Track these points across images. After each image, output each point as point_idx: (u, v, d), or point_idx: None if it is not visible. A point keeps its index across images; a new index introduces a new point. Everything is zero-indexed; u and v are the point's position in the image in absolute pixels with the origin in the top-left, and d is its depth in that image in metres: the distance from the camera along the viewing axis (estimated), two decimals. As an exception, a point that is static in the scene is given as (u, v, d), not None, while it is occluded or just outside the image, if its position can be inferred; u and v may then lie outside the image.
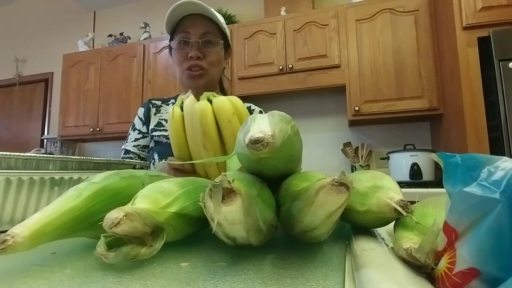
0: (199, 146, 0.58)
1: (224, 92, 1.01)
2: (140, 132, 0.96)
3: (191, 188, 0.30)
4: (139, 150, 0.94)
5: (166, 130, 0.91)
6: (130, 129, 0.98)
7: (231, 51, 0.98)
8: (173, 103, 0.96)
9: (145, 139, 0.95)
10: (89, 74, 2.80)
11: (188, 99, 0.60)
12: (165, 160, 0.82)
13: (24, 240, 0.21)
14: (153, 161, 0.91)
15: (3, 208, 0.35)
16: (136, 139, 0.95)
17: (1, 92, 3.57)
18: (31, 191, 0.38)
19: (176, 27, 0.87)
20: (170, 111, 0.61)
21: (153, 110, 0.97)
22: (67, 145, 3.04)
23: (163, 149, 0.88)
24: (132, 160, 0.63)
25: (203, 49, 0.85)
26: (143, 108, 0.98)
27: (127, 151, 0.94)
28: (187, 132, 0.60)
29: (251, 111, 0.96)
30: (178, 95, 1.01)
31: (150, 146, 0.96)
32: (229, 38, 0.94)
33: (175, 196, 0.27)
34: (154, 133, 0.92)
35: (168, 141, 0.85)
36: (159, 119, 0.95)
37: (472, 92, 1.57)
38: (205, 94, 0.61)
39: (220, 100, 0.59)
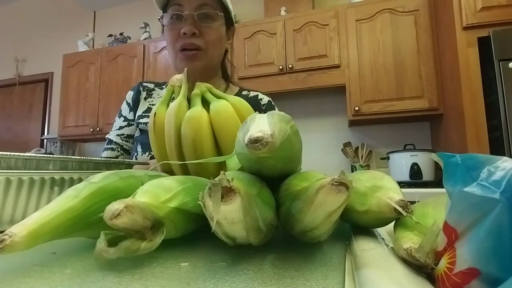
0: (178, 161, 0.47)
1: (227, 80, 0.87)
2: (125, 119, 0.83)
3: (191, 185, 0.30)
4: (122, 140, 0.82)
5: None
6: (117, 115, 0.86)
7: (234, 30, 0.83)
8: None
9: (130, 127, 0.83)
10: (89, 74, 2.80)
11: (173, 104, 0.46)
12: (149, 155, 0.72)
13: (22, 239, 0.21)
14: (135, 154, 0.78)
15: (3, 208, 0.35)
16: (120, 127, 0.83)
17: (1, 92, 3.57)
18: (31, 191, 0.38)
19: (168, 1, 0.74)
20: (152, 113, 0.49)
21: (144, 94, 0.84)
22: (67, 145, 3.05)
23: (149, 140, 0.82)
24: (132, 160, 0.62)
25: (199, 24, 0.70)
26: (132, 92, 0.85)
27: (109, 141, 0.83)
28: (168, 144, 0.47)
29: (258, 100, 0.85)
30: None
31: (135, 136, 0.83)
32: (232, 13, 0.79)
33: (175, 192, 0.27)
34: (140, 120, 0.79)
35: None
36: (149, 104, 0.81)
37: (472, 92, 1.57)
38: (199, 88, 0.48)
39: (222, 111, 0.45)
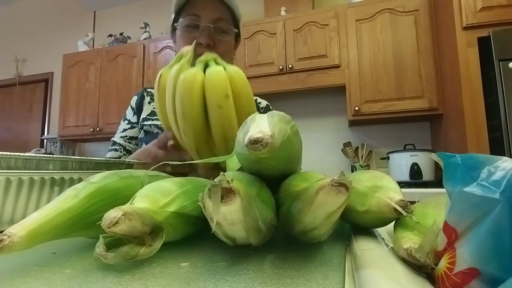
0: (178, 130, 0.49)
1: None
2: (129, 122, 0.88)
3: (190, 187, 0.30)
4: (125, 142, 0.86)
5: (158, 120, 0.81)
6: (122, 119, 0.91)
7: (239, 41, 0.89)
8: None
9: (133, 129, 0.87)
10: (89, 74, 2.80)
11: (174, 68, 0.49)
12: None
13: (21, 239, 0.21)
14: None
15: (3, 208, 0.35)
16: (124, 130, 0.87)
17: (1, 92, 3.57)
18: (31, 191, 0.38)
19: (185, 7, 0.75)
20: (158, 74, 0.51)
21: (147, 98, 0.89)
22: (67, 145, 3.05)
23: (153, 140, 0.85)
24: (132, 160, 0.62)
25: (214, 36, 0.74)
26: (136, 97, 0.90)
27: (114, 143, 0.87)
28: (167, 107, 0.50)
29: (257, 105, 0.88)
30: None
31: (139, 137, 0.87)
32: (241, 28, 0.84)
33: (174, 196, 0.27)
34: (145, 122, 0.84)
35: (160, 132, 0.78)
36: (153, 108, 0.86)
37: (472, 92, 1.57)
38: (206, 56, 0.50)
39: (215, 73, 0.46)
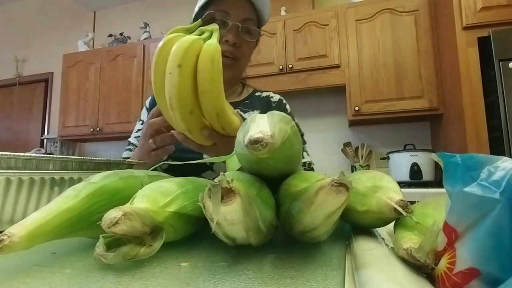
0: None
1: (243, 82, 0.93)
2: (143, 122, 0.85)
3: (190, 187, 0.30)
4: (138, 142, 0.87)
5: None
6: (137, 120, 0.91)
7: (258, 44, 0.88)
8: None
9: None
10: (89, 74, 2.80)
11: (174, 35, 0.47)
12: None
13: (21, 240, 0.21)
14: None
15: (3, 208, 0.35)
16: (138, 130, 0.87)
17: (1, 92, 3.57)
18: (31, 191, 0.38)
19: (213, 2, 0.74)
20: (166, 37, 0.49)
21: None
22: (67, 145, 3.05)
23: None
24: (131, 160, 0.62)
25: (241, 36, 0.73)
26: (151, 97, 0.90)
27: (129, 143, 0.87)
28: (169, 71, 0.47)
29: (269, 99, 0.90)
30: None
31: None
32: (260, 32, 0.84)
33: (174, 196, 0.27)
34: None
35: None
36: None
37: (472, 92, 1.57)
38: (211, 26, 0.48)
39: (182, 41, 0.45)
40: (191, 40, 0.45)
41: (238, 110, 0.81)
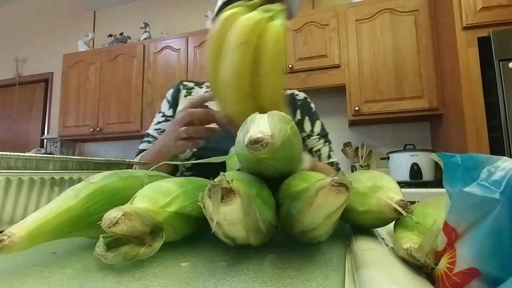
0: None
1: None
2: (164, 115, 0.86)
3: (191, 187, 0.30)
4: (158, 134, 0.84)
5: None
6: (157, 112, 0.89)
7: None
8: (207, 86, 0.85)
9: (167, 123, 0.84)
10: (89, 74, 2.80)
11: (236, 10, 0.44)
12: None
13: (20, 240, 0.21)
14: None
15: (3, 208, 0.35)
16: (158, 122, 0.85)
17: (1, 92, 3.57)
18: (31, 191, 0.38)
19: None
20: (229, 11, 0.45)
21: (184, 92, 0.87)
22: (67, 145, 3.05)
23: None
24: (132, 160, 0.62)
25: None
26: (172, 90, 0.89)
27: (148, 135, 0.85)
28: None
29: (294, 97, 0.89)
30: None
31: None
32: None
33: (174, 196, 0.27)
34: (169, 123, 0.83)
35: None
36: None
37: (472, 92, 1.57)
38: (277, 7, 0.44)
39: (248, 18, 0.41)
40: (258, 18, 0.41)
41: None
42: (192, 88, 0.88)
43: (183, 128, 0.56)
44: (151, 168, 0.46)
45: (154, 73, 2.60)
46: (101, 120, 2.70)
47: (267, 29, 0.42)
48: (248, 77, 0.42)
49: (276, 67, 0.43)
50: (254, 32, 0.41)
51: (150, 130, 0.86)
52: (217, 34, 0.44)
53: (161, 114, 0.87)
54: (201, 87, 0.89)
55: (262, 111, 0.47)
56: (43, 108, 3.36)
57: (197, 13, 2.77)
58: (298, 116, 0.90)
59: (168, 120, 0.85)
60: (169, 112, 0.86)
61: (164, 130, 0.82)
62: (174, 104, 0.86)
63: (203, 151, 0.61)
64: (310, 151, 0.84)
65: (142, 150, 0.78)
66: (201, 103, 0.56)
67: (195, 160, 0.74)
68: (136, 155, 0.78)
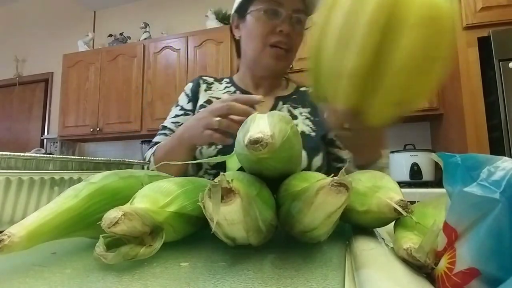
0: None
1: (287, 77, 0.90)
2: (182, 108, 0.83)
3: (191, 187, 0.30)
4: (176, 127, 0.80)
5: None
6: (173, 106, 0.86)
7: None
8: (227, 82, 0.84)
9: (186, 117, 0.81)
10: (89, 74, 2.80)
11: None
12: (213, 146, 0.70)
13: (20, 240, 0.21)
14: (200, 148, 0.76)
15: (3, 208, 0.35)
16: (176, 115, 0.82)
17: (1, 92, 3.57)
18: (31, 191, 0.38)
19: None
20: None
21: (204, 86, 0.84)
22: (67, 145, 3.05)
23: None
24: (132, 160, 0.62)
25: (294, 26, 0.71)
26: (191, 84, 0.85)
27: (164, 127, 0.82)
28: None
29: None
30: (231, 77, 0.87)
31: None
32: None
33: (174, 196, 0.27)
34: (201, 110, 0.80)
35: None
36: (210, 96, 0.82)
37: (472, 92, 1.57)
38: None
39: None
40: None
41: (288, 105, 0.78)
42: (212, 83, 0.86)
43: (217, 118, 0.52)
44: (159, 164, 0.43)
45: (154, 73, 2.60)
46: (101, 120, 2.71)
47: (434, 5, 0.32)
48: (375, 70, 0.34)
49: (444, 54, 0.34)
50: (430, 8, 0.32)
51: (167, 123, 0.83)
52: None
53: (179, 108, 0.84)
54: (221, 83, 0.86)
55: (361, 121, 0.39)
56: (43, 108, 3.36)
57: (197, 13, 2.77)
58: None
59: (188, 114, 0.82)
60: (188, 106, 0.83)
61: (182, 123, 0.78)
62: (194, 98, 0.83)
63: (231, 149, 0.59)
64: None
65: (157, 143, 0.76)
66: (245, 102, 0.52)
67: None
68: (150, 148, 0.76)
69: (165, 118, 0.86)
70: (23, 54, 3.51)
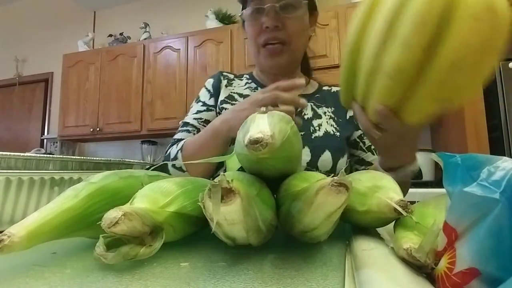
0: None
1: (308, 73, 0.84)
2: (204, 104, 0.80)
3: (190, 187, 0.30)
4: (199, 124, 0.78)
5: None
6: (194, 101, 0.83)
7: (318, 15, 0.78)
8: (248, 78, 0.82)
9: (209, 112, 0.79)
10: (89, 74, 2.80)
11: None
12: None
13: (21, 240, 0.21)
14: None
15: (3, 208, 0.35)
16: (198, 111, 0.79)
17: (1, 92, 3.57)
18: (31, 191, 0.38)
19: None
20: None
21: (225, 82, 0.82)
22: (67, 145, 3.05)
23: None
24: (132, 161, 0.62)
25: (282, 15, 0.66)
26: (212, 79, 0.83)
27: (185, 123, 0.79)
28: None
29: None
30: (251, 72, 0.85)
31: None
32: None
33: (174, 196, 0.27)
34: (224, 105, 0.76)
35: None
36: (231, 92, 0.80)
37: (472, 92, 1.57)
38: None
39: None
40: None
41: (312, 104, 0.76)
42: (233, 79, 0.84)
43: (263, 108, 0.51)
44: (189, 162, 0.38)
45: (154, 73, 2.60)
46: (101, 120, 2.70)
47: None
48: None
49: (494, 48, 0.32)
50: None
51: (189, 119, 0.80)
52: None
53: (200, 104, 0.81)
54: (241, 79, 0.84)
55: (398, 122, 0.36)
56: (43, 108, 3.36)
57: (197, 13, 2.77)
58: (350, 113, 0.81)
59: (210, 110, 0.79)
60: (210, 102, 0.80)
61: (206, 120, 0.78)
62: (216, 93, 0.80)
63: None
64: (368, 149, 0.78)
65: (179, 140, 0.73)
66: (289, 88, 0.50)
67: None
68: (171, 145, 0.72)
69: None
70: (23, 54, 3.51)
